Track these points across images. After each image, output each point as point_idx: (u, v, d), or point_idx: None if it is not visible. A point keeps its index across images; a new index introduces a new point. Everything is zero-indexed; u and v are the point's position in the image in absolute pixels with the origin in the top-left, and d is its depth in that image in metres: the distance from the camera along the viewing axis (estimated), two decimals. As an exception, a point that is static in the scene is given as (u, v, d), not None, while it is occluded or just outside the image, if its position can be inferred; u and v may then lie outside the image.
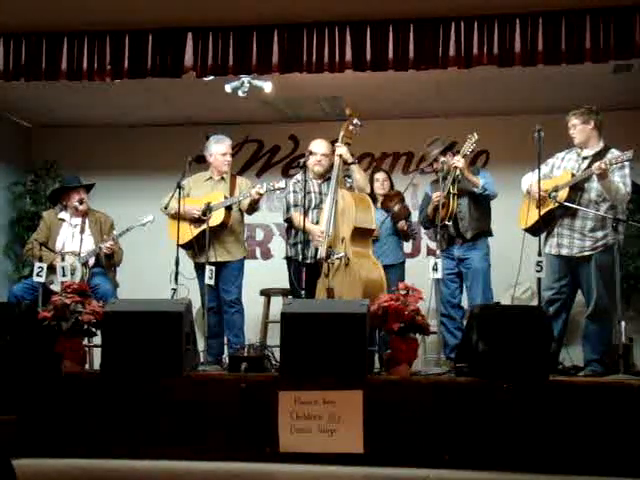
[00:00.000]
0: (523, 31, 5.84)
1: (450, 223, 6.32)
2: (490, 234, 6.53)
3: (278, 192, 6.81)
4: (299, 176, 6.46)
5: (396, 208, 7.06)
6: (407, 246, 7.58)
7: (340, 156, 6.33)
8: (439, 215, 6.15)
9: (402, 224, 7.00)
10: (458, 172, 6.29)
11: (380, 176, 7.19)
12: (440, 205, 6.16)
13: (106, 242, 6.55)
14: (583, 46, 5.81)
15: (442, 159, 6.35)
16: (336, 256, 6.07)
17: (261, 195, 6.42)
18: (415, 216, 7.26)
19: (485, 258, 6.43)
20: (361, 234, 6.17)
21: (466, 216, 6.38)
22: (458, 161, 6.26)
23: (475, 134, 6.28)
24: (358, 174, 6.49)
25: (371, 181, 7.04)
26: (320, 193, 6.54)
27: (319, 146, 6.57)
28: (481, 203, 6.44)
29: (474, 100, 7.90)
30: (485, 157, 8.30)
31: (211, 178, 6.69)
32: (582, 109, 5.95)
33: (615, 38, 5.77)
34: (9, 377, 5.18)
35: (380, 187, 7.10)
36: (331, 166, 6.50)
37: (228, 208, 6.46)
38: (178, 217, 6.27)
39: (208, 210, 6.30)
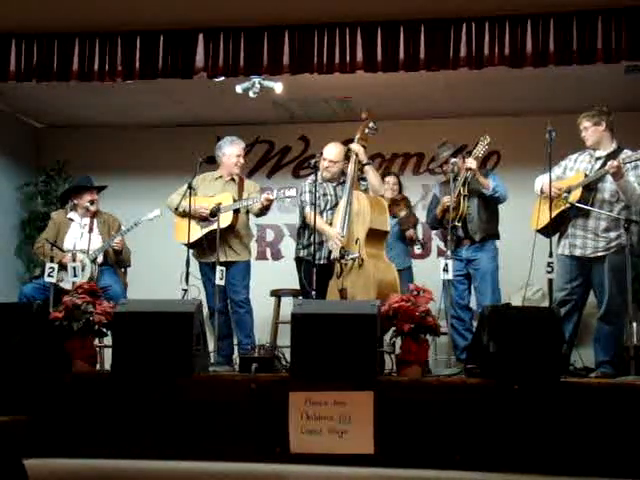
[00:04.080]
0: (534, 32, 5.83)
1: (460, 224, 6.31)
2: (498, 237, 6.52)
3: (288, 200, 6.82)
4: (314, 176, 6.46)
5: (402, 214, 7.06)
6: (417, 248, 7.58)
7: (356, 155, 6.34)
8: (448, 217, 6.14)
9: (410, 233, 7.04)
10: (469, 174, 6.29)
11: (390, 179, 7.18)
12: (450, 207, 6.15)
13: (115, 238, 6.58)
14: (595, 47, 5.79)
15: (452, 160, 6.34)
16: (350, 256, 6.07)
17: (271, 201, 6.43)
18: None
19: (493, 259, 6.43)
20: (376, 236, 6.18)
21: (475, 218, 6.38)
22: (471, 163, 6.26)
23: (487, 136, 6.27)
24: (373, 175, 6.49)
25: None
26: (335, 195, 6.55)
27: (330, 152, 6.57)
28: (490, 205, 6.44)
29: (485, 101, 7.88)
30: (496, 158, 8.27)
31: (221, 177, 6.71)
32: (593, 111, 5.93)
33: (627, 39, 5.74)
34: (20, 377, 5.18)
35: (389, 190, 7.09)
36: (340, 173, 6.54)
37: (236, 211, 6.47)
38: (189, 218, 6.30)
39: (217, 210, 6.30)
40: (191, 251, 6.41)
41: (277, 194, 6.43)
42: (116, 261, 6.71)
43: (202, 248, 6.49)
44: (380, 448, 4.78)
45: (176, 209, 6.52)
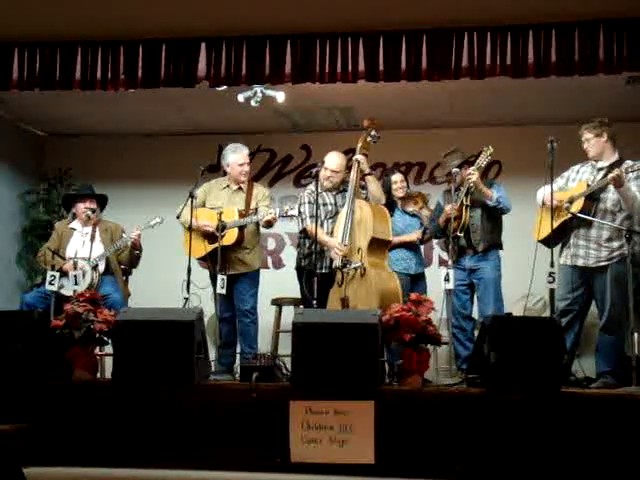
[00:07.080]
0: (536, 42, 5.84)
1: (462, 234, 6.30)
2: (501, 247, 6.50)
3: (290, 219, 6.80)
4: (312, 186, 6.44)
5: (424, 212, 6.93)
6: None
7: (358, 164, 6.33)
8: (451, 226, 6.13)
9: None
10: (471, 184, 6.28)
11: (397, 178, 6.98)
12: (452, 217, 6.14)
13: (134, 232, 6.58)
14: (596, 57, 5.80)
15: (453, 170, 6.32)
16: (353, 266, 6.07)
17: (274, 221, 6.43)
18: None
19: (496, 269, 6.40)
20: (378, 245, 6.19)
21: (478, 228, 6.36)
22: (471, 174, 6.25)
23: (490, 147, 6.26)
24: (374, 185, 6.48)
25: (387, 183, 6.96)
26: (335, 204, 6.53)
27: (332, 162, 6.54)
28: (494, 216, 6.42)
29: (487, 111, 7.90)
30: (497, 168, 8.28)
31: (228, 187, 6.68)
32: (594, 122, 5.93)
33: (628, 49, 5.76)
34: (21, 385, 5.18)
35: (399, 189, 6.92)
36: (341, 182, 6.53)
37: (241, 227, 6.46)
38: (190, 226, 6.31)
39: (222, 228, 6.28)
40: (193, 260, 6.41)
41: (280, 213, 6.40)
42: (130, 260, 6.70)
43: (210, 262, 6.49)
44: (380, 458, 4.77)
45: (178, 217, 6.49)
